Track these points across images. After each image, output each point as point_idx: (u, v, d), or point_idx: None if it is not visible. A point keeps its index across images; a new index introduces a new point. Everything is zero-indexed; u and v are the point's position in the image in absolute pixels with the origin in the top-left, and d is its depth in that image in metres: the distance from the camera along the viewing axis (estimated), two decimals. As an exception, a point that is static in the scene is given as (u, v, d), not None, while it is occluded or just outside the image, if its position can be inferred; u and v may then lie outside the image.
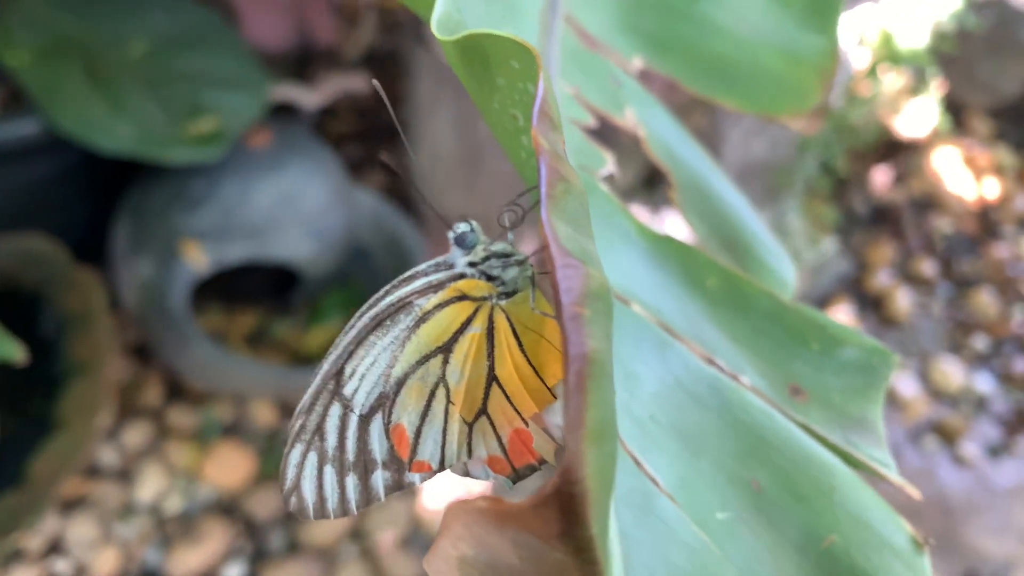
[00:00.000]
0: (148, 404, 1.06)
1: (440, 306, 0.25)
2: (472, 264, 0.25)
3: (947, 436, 1.24)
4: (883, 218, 1.47)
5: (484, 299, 0.24)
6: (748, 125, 1.22)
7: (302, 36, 1.18)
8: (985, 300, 1.39)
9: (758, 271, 0.39)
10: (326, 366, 0.26)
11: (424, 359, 0.25)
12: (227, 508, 1.01)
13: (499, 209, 0.25)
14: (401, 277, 0.25)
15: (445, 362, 0.25)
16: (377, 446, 0.26)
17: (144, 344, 1.09)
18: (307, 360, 1.09)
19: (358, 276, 1.12)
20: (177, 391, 1.08)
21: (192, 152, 0.89)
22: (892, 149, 1.52)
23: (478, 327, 0.24)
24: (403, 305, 0.25)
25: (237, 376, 1.01)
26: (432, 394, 0.25)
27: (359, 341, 0.25)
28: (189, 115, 0.92)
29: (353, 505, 0.26)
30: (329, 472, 0.26)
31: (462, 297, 0.25)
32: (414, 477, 0.26)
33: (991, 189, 1.53)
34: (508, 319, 0.24)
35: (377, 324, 0.25)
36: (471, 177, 1.11)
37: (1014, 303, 1.40)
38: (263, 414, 1.07)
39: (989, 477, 1.21)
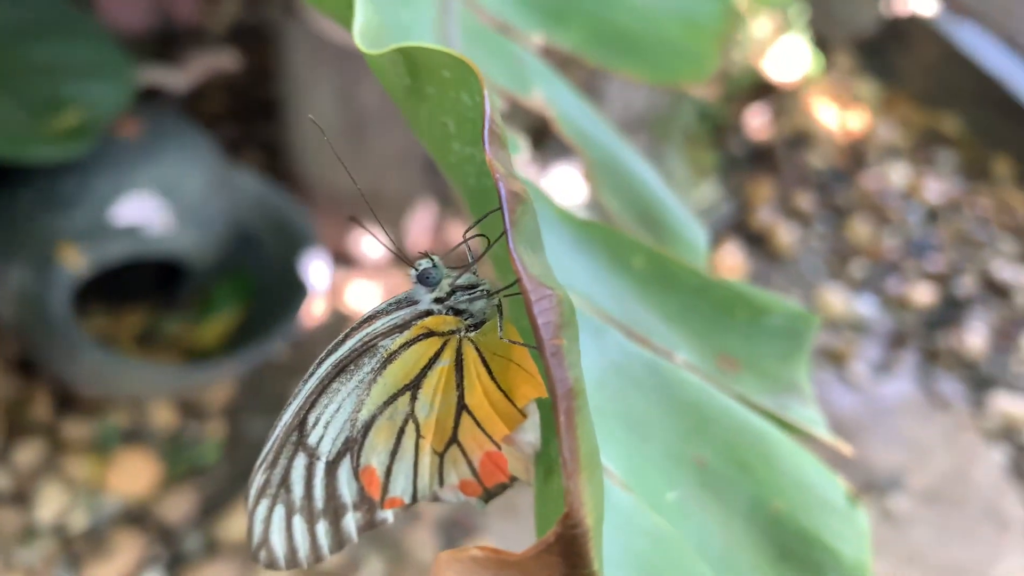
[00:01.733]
0: (38, 419, 1.00)
1: (406, 345, 0.24)
2: (438, 300, 0.24)
3: (836, 360, 1.30)
4: (760, 158, 1.52)
5: (452, 333, 0.24)
6: (625, 78, 1.23)
7: (162, 15, 1.12)
8: (860, 228, 1.46)
9: (673, 242, 0.40)
10: (287, 418, 0.25)
11: (392, 399, 0.24)
12: (136, 517, 0.97)
13: (461, 239, 0.25)
14: (360, 319, 0.24)
15: (414, 398, 0.24)
16: (346, 490, 0.25)
17: (27, 357, 1.03)
18: (202, 355, 1.05)
19: (247, 263, 1.08)
20: (68, 402, 1.02)
21: (57, 149, 0.84)
22: (765, 91, 1.56)
23: (446, 360, 0.24)
24: (366, 348, 0.24)
25: (131, 380, 0.96)
26: (401, 431, 0.25)
27: (321, 389, 0.24)
28: (49, 110, 0.86)
29: (326, 551, 0.26)
30: (298, 522, 0.25)
31: (429, 334, 0.24)
32: (386, 514, 0.26)
33: (857, 121, 1.60)
34: (477, 348, 0.24)
35: (340, 370, 0.24)
36: (356, 150, 1.08)
37: (885, 228, 1.47)
38: (163, 416, 1.03)
39: (876, 395, 1.28)
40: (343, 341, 0.24)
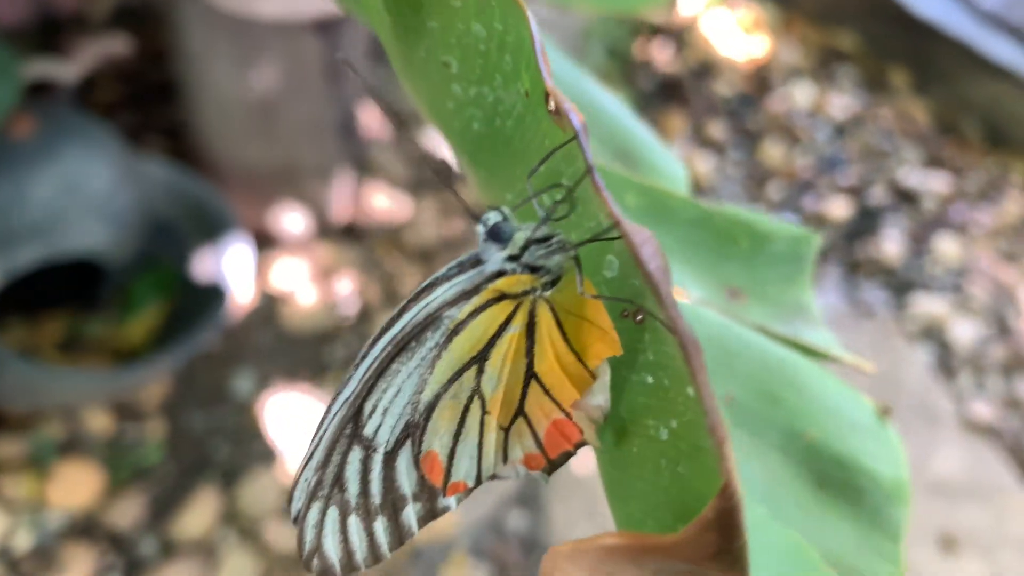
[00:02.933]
0: (-37, 443, 0.95)
1: (475, 312, 0.22)
2: (512, 257, 0.21)
3: (763, 284, 1.32)
4: (669, 91, 1.53)
5: (525, 294, 0.21)
6: (582, 13, 1.21)
7: (40, 5, 1.05)
8: (772, 150, 1.48)
9: (652, 176, 0.39)
10: (341, 410, 0.22)
11: (457, 375, 0.22)
12: (85, 528, 0.93)
13: (528, 187, 0.22)
14: (418, 288, 0.22)
15: (480, 372, 0.22)
16: (405, 480, 0.23)
17: (-60, 379, 0.97)
18: (132, 355, 1.01)
19: (166, 253, 1.04)
20: (-6, 421, 0.97)
21: (-54, 156, 0.78)
22: (668, 24, 1.57)
23: (517, 326, 0.22)
24: (429, 321, 0.22)
25: (59, 389, 0.92)
26: (466, 409, 0.23)
27: (379, 372, 0.22)
28: (-69, 115, 0.80)
29: (385, 549, 0.24)
30: (354, 522, 0.23)
31: (500, 297, 0.21)
32: (449, 501, 0.24)
33: (758, 46, 1.62)
34: (552, 309, 0.22)
35: (400, 349, 0.22)
36: (267, 125, 1.04)
37: (796, 148, 1.50)
38: (98, 422, 0.99)
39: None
40: (399, 315, 0.22)
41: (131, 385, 1.00)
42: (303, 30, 0.96)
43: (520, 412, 0.23)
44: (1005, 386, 1.25)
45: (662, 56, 1.56)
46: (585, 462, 1.04)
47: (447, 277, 0.22)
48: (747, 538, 0.15)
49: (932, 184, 1.46)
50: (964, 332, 1.29)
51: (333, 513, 0.23)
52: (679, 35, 1.58)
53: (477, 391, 0.22)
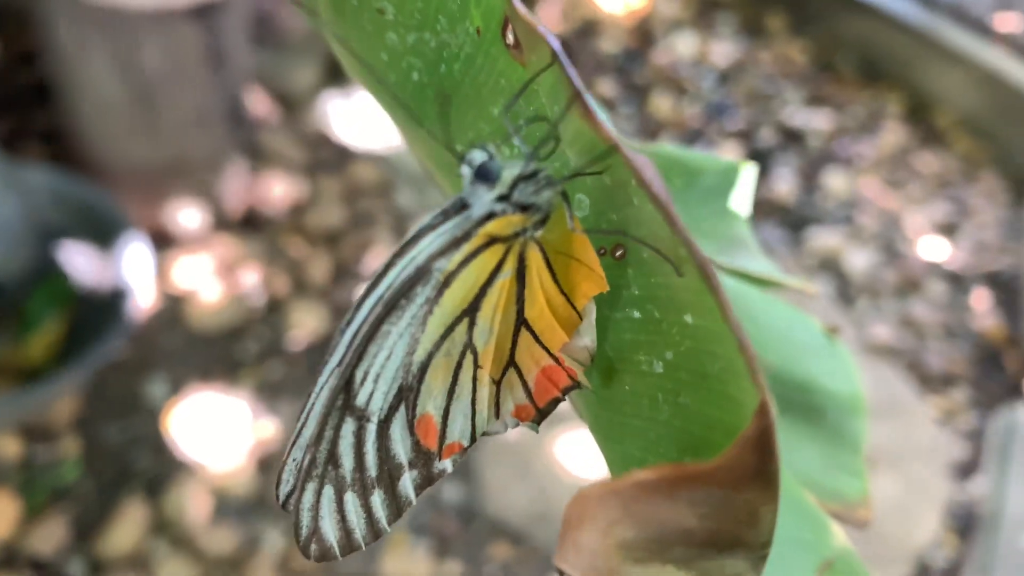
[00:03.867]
0: None
1: (466, 261, 0.20)
2: (502, 198, 0.20)
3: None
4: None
5: (516, 236, 0.20)
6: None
7: None
8: (661, 102, 1.50)
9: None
10: (329, 380, 0.21)
11: (448, 330, 0.21)
12: (5, 560, 0.89)
13: (506, 123, 0.21)
14: (402, 242, 0.21)
15: (472, 325, 0.21)
16: (400, 448, 0.23)
17: None
18: (34, 374, 0.96)
19: (60, 264, 0.99)
20: None
21: None
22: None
23: (508, 272, 0.21)
24: (419, 275, 0.21)
25: (-40, 417, 0.87)
26: (459, 365, 0.22)
27: (369, 337, 0.21)
28: None
29: (384, 523, 0.23)
30: (351, 499, 0.22)
31: (491, 242, 0.20)
32: (445, 464, 0.23)
33: (639, 1, 1.64)
34: (541, 249, 0.21)
35: (389, 309, 0.21)
36: (151, 119, 1.00)
37: (683, 98, 1.53)
38: (7, 447, 0.94)
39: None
40: (384, 273, 0.21)
41: (37, 405, 0.96)
42: (179, 17, 0.92)
43: (511, 363, 0.22)
44: (899, 307, 1.31)
45: (546, 18, 1.56)
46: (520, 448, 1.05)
47: (432, 226, 0.21)
48: (780, 459, 0.15)
49: (816, 122, 1.52)
50: (858, 260, 1.35)
51: (328, 492, 0.22)
52: (560, -5, 1.59)
53: (469, 345, 0.22)
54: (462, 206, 0.21)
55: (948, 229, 1.41)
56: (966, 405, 1.23)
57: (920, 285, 1.34)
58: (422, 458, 0.23)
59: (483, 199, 0.20)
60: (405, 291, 0.21)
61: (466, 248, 0.20)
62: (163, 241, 1.12)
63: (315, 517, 0.22)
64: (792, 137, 1.50)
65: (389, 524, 0.23)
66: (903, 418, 1.20)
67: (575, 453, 1.05)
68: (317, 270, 1.18)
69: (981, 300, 1.34)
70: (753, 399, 0.16)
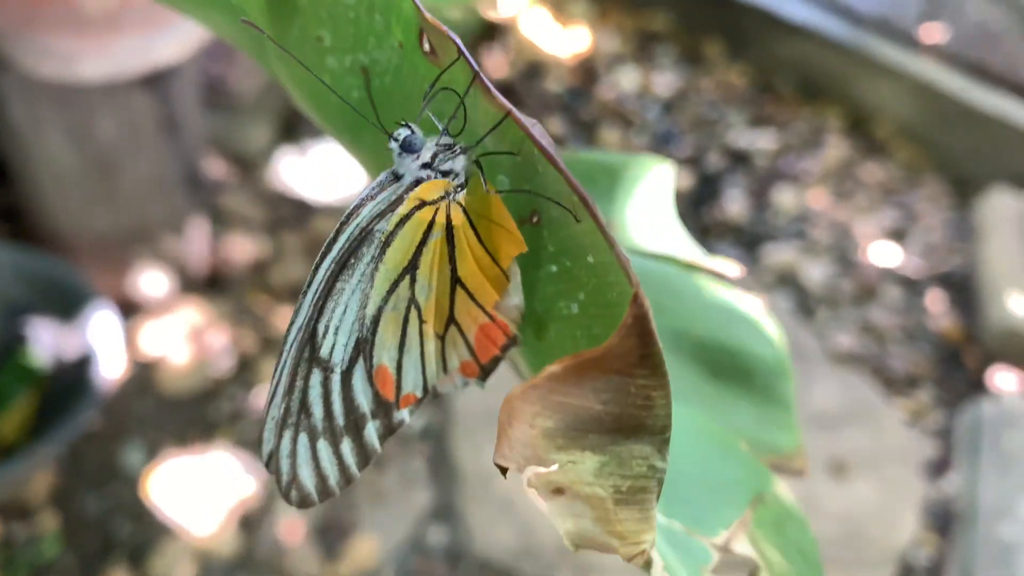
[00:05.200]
0: None
1: (401, 222, 0.24)
2: (426, 165, 0.24)
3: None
4: (505, 96, 1.56)
5: (441, 199, 0.24)
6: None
7: None
8: (609, 135, 1.54)
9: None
10: (295, 334, 0.24)
11: (393, 286, 0.24)
12: (-11, 642, 0.88)
13: (423, 106, 0.24)
14: (347, 212, 0.24)
15: (413, 281, 0.24)
16: (363, 398, 0.25)
17: None
18: (6, 452, 0.96)
19: (26, 340, 0.99)
20: None
21: None
22: (492, 31, 1.61)
23: (438, 232, 0.24)
24: (363, 236, 0.23)
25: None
26: (406, 320, 0.25)
27: (327, 293, 0.24)
28: None
29: (354, 469, 0.26)
30: (323, 446, 0.25)
31: (421, 204, 0.24)
32: (403, 414, 0.26)
33: (579, 41, 1.68)
34: (465, 212, 0.24)
35: (341, 267, 0.24)
36: (109, 189, 1.01)
37: (630, 130, 1.57)
38: (-17, 527, 0.93)
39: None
40: (335, 239, 0.24)
41: (11, 483, 0.95)
42: (131, 87, 0.94)
43: (451, 319, 0.25)
44: (859, 315, 1.35)
45: (492, 64, 1.60)
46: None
47: (371, 196, 0.24)
48: (660, 344, 0.17)
49: (760, 142, 1.56)
50: (815, 273, 1.38)
51: (303, 440, 0.25)
52: (504, 39, 1.62)
53: (413, 300, 0.25)
54: (395, 178, 0.24)
55: (898, 235, 1.45)
56: (932, 404, 1.26)
57: (876, 292, 1.38)
58: (382, 408, 0.26)
59: (411, 168, 0.24)
60: (353, 251, 0.24)
61: (400, 210, 0.24)
62: (129, 308, 1.12)
63: (293, 464, 0.25)
64: (739, 159, 1.54)
65: (359, 470, 0.26)
66: (872, 423, 1.22)
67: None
68: (284, 325, 1.19)
69: (936, 301, 1.38)
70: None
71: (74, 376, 0.97)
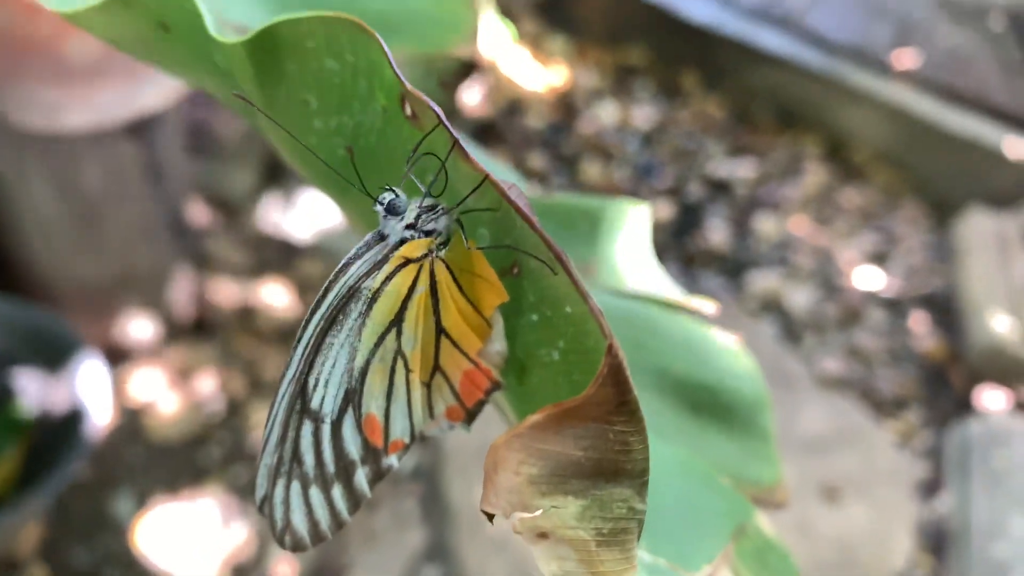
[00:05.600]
0: None
1: (387, 280, 0.25)
2: (410, 226, 0.25)
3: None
4: (486, 134, 1.58)
5: (424, 256, 0.25)
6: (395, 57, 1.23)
7: None
8: (591, 169, 1.56)
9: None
10: (286, 388, 0.25)
11: (380, 339, 0.25)
12: None
13: (406, 168, 0.25)
14: (336, 271, 0.25)
15: (399, 334, 0.25)
16: (352, 447, 0.26)
17: None
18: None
19: (13, 392, 0.99)
20: None
21: None
22: (471, 69, 1.62)
23: (422, 287, 0.25)
24: (351, 294, 0.25)
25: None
26: (392, 370, 0.26)
27: (316, 348, 0.25)
28: None
29: (345, 515, 0.26)
30: (315, 493, 0.26)
31: (406, 263, 0.25)
32: (391, 459, 0.27)
33: (558, 77, 1.70)
34: (448, 267, 0.25)
35: (330, 323, 0.25)
36: (95, 237, 1.01)
37: (612, 163, 1.59)
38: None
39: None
40: (324, 296, 0.25)
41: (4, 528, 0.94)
42: (116, 135, 0.95)
43: (436, 367, 0.26)
44: (844, 339, 1.36)
45: (472, 102, 1.62)
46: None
47: (358, 256, 0.25)
48: (636, 392, 0.18)
49: (740, 171, 1.58)
50: (799, 298, 1.39)
51: (296, 487, 0.26)
52: (484, 78, 1.64)
53: (399, 352, 0.25)
54: (380, 238, 0.25)
55: (879, 258, 1.47)
56: (921, 425, 1.26)
57: (861, 315, 1.39)
58: (371, 455, 0.27)
59: (395, 229, 0.25)
60: (341, 307, 0.25)
61: (386, 268, 0.25)
62: (116, 356, 1.12)
63: (287, 511, 0.26)
64: (719, 188, 1.56)
65: (350, 514, 0.27)
66: (863, 446, 1.23)
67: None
68: (272, 368, 1.19)
69: (919, 322, 1.39)
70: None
71: (62, 426, 0.96)
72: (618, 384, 0.18)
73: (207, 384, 1.15)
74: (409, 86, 0.22)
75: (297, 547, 0.26)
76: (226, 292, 1.25)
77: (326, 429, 0.26)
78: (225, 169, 1.31)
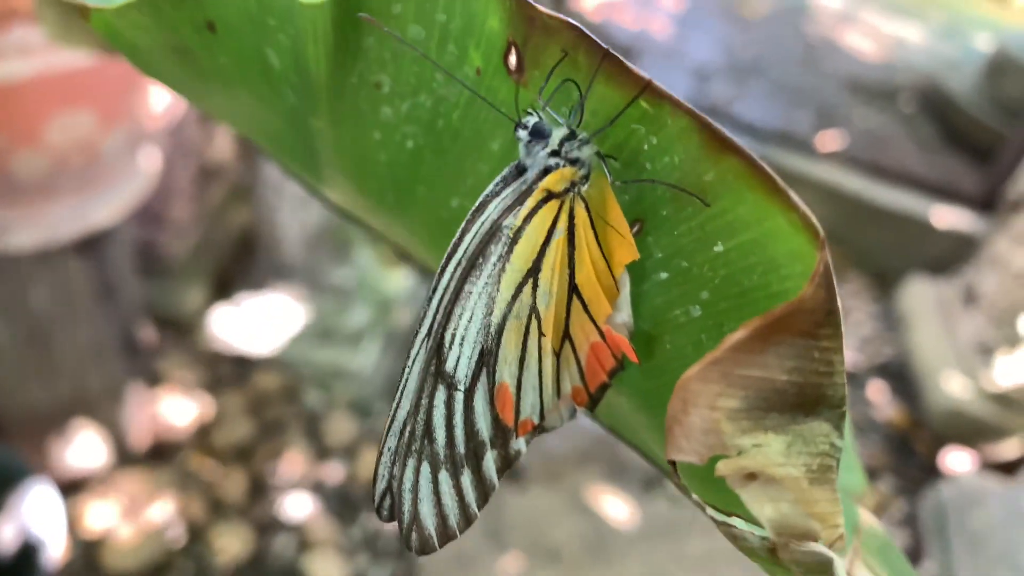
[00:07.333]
0: None
1: (529, 216, 0.22)
2: (554, 153, 0.22)
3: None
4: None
5: (567, 191, 0.22)
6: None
7: None
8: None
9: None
10: (421, 347, 0.22)
11: (518, 290, 0.23)
12: None
13: (539, 102, 0.22)
14: (471, 210, 0.22)
15: (535, 286, 0.23)
16: (483, 422, 0.24)
17: None
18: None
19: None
20: None
21: None
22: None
23: (561, 229, 0.23)
24: (492, 233, 0.22)
25: None
26: (527, 331, 0.23)
27: (454, 298, 0.22)
28: None
29: (474, 507, 0.24)
30: (444, 479, 0.23)
31: (548, 197, 0.22)
32: (519, 443, 0.24)
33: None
34: (587, 208, 0.23)
35: (469, 268, 0.22)
36: (44, 360, 0.97)
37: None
38: None
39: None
40: (461, 238, 0.22)
41: None
42: (65, 253, 0.92)
43: (566, 334, 0.24)
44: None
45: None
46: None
47: (496, 193, 0.23)
48: (839, 304, 0.16)
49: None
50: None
51: (425, 470, 0.23)
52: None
53: (534, 308, 0.23)
54: (518, 173, 0.23)
55: (830, 332, 1.49)
56: (893, 494, 1.26)
57: (820, 388, 1.40)
58: (500, 436, 0.24)
59: (539, 157, 0.22)
60: (481, 250, 0.23)
61: (528, 203, 0.22)
62: (69, 485, 1.06)
63: (415, 500, 0.23)
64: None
65: (479, 509, 0.24)
66: (839, 518, 1.21)
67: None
68: (232, 489, 1.14)
69: (878, 392, 1.41)
70: (803, 258, 0.18)
71: (14, 563, 0.90)
72: (829, 287, 0.16)
73: (165, 509, 1.09)
74: (543, 8, 0.20)
75: (424, 547, 0.23)
76: (180, 412, 1.20)
77: (459, 399, 0.23)
78: (173, 287, 1.28)
